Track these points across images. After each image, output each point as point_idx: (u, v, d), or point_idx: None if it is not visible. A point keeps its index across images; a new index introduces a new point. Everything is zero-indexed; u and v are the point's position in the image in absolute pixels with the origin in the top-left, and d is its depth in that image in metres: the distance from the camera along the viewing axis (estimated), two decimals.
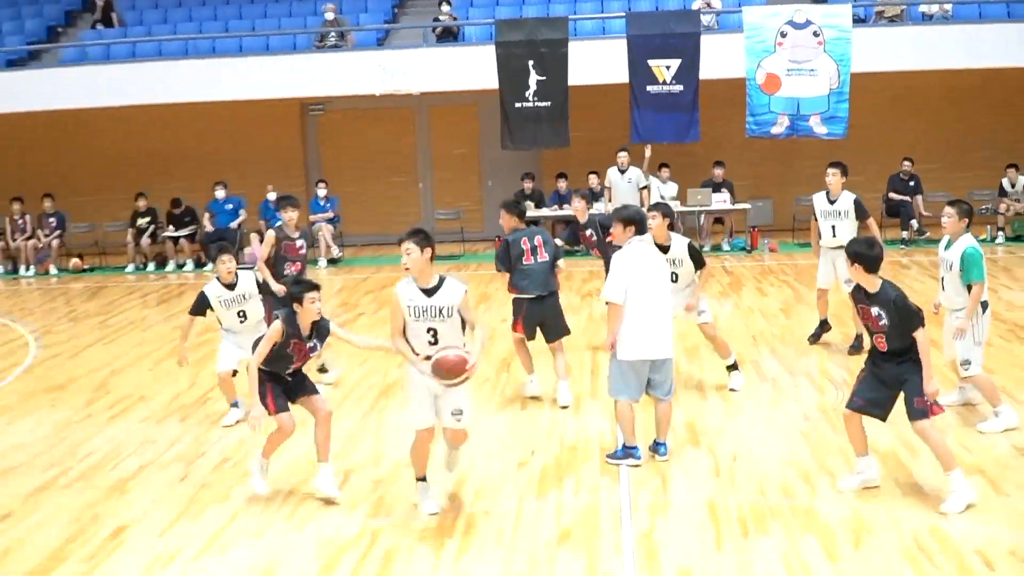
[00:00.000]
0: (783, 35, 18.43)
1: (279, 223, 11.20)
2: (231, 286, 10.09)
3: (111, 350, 13.66)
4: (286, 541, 7.33)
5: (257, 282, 10.36)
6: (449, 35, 20.51)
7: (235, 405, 10.08)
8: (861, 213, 11.50)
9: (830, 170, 11.69)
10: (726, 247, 19.55)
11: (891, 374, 7.46)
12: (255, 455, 8.18)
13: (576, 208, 11.89)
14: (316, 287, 7.95)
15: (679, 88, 18.59)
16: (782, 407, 9.91)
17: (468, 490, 8.08)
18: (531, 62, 18.66)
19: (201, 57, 20.22)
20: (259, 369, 7.84)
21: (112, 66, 20.27)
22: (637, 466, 8.34)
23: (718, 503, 7.58)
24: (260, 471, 8.07)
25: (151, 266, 20.44)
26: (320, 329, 8.00)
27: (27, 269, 20.59)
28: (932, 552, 6.61)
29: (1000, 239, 18.86)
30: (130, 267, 20.40)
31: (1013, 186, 19.13)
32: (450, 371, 7.17)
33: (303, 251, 11.30)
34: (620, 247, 8.43)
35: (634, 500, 7.72)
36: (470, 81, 19.28)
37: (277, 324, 7.82)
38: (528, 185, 20.03)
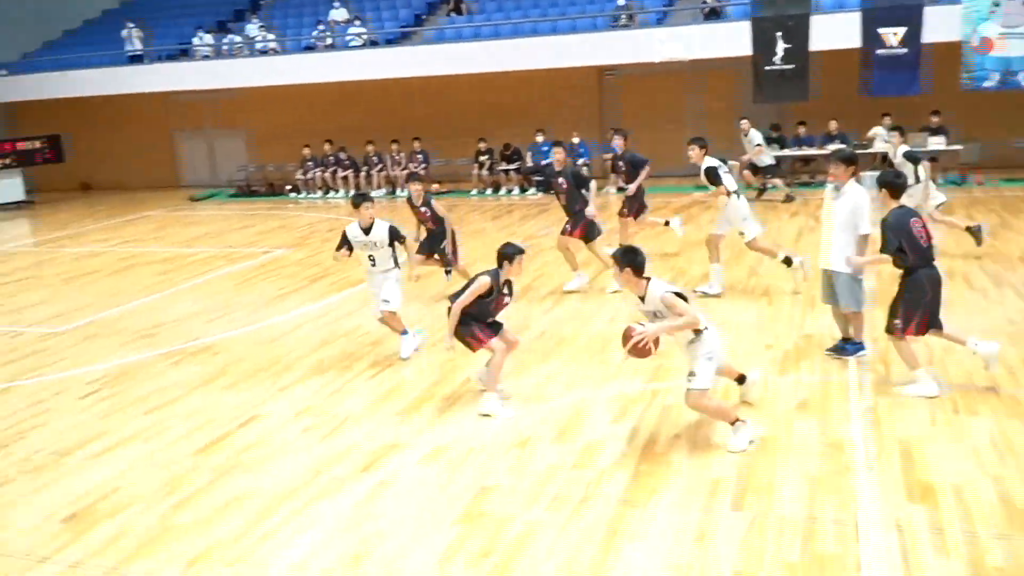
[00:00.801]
0: (996, 4, 16.60)
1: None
2: (367, 230, 8.59)
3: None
4: (590, 393, 7.34)
5: (393, 234, 8.67)
6: (714, 14, 19.71)
7: (404, 333, 8.81)
8: None
9: None
10: (940, 181, 17.91)
11: None
12: (486, 396, 7.15)
13: (557, 158, 11.06)
14: (523, 251, 7.12)
15: (904, 51, 17.16)
16: (989, 313, 9.03)
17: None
18: (779, 33, 17.68)
19: (525, 36, 20.29)
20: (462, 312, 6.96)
21: (462, 44, 20.67)
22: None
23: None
24: (499, 402, 7.13)
25: (488, 191, 20.89)
26: (510, 285, 7.17)
27: (401, 191, 21.51)
28: None
29: None
30: (473, 191, 20.92)
31: None
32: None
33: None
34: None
35: (859, 381, 7.26)
36: (730, 49, 18.45)
37: (485, 279, 6.94)
38: (774, 134, 19.02)
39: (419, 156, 21.61)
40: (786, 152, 18.76)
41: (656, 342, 5.95)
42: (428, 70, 20.72)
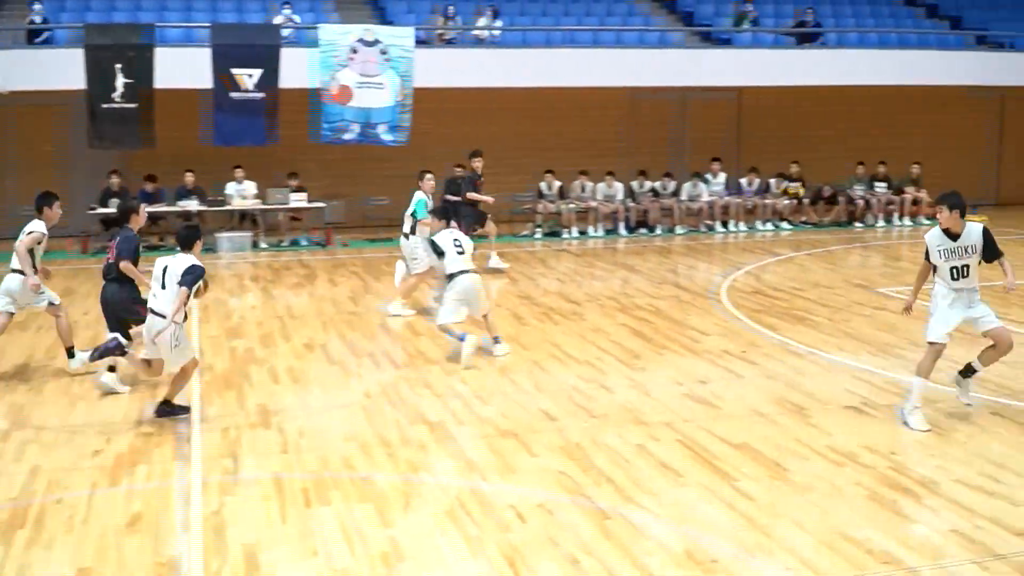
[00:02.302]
0: (354, 51, 18.49)
1: None
2: None
3: None
4: None
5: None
6: (40, 37, 18.91)
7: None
8: None
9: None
10: (304, 242, 19.24)
11: None
12: None
13: None
14: None
15: (259, 95, 18.18)
16: (347, 386, 9.84)
17: (41, 480, 7.35)
18: (119, 65, 17.57)
19: None
20: None
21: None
22: None
23: (284, 478, 7.37)
24: None
25: None
26: None
27: None
28: (472, 510, 6.74)
29: (538, 235, 19.86)
30: None
31: (549, 189, 20.19)
32: None
33: None
34: None
35: (205, 480, 7.34)
36: (59, 81, 17.82)
37: None
38: (115, 181, 18.69)
39: None
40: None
41: None
42: None
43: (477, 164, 16.82)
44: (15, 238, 10.22)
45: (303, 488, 7.16)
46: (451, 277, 10.54)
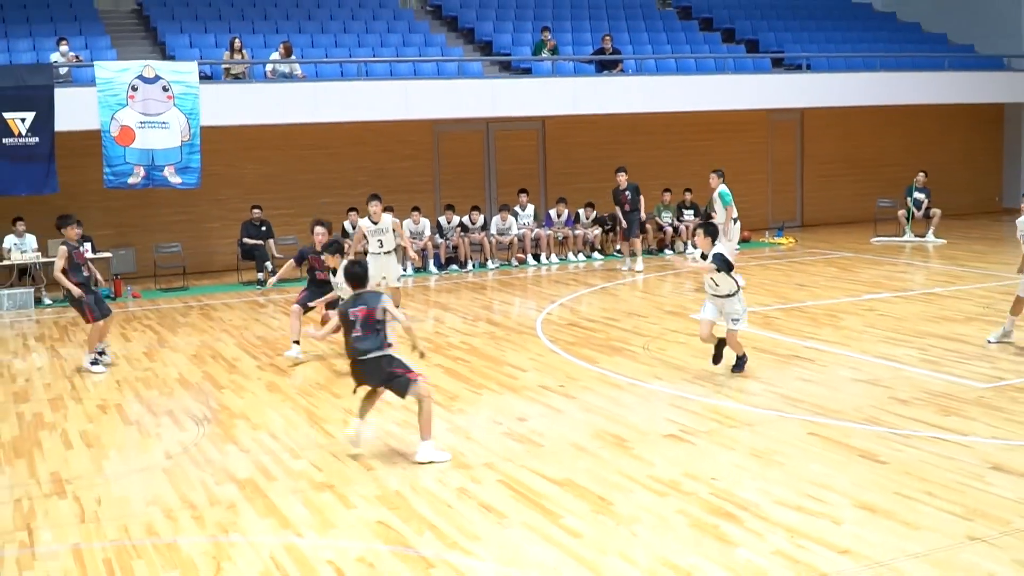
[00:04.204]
0: (134, 89, 18.11)
1: None
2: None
3: None
4: None
5: None
6: None
7: None
8: None
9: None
10: (48, 300, 18.40)
11: None
12: None
13: None
14: None
15: (35, 140, 17.60)
16: (146, 448, 9.61)
17: None
18: None
19: None
20: None
21: None
22: None
23: (84, 549, 7.15)
24: None
25: None
26: None
27: None
28: (288, 568, 6.71)
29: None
30: None
31: (353, 228, 20.12)
32: None
33: None
34: None
35: (1, 556, 7.07)
36: None
37: None
38: None
39: None
40: None
41: None
42: None
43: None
44: None
45: (104, 559, 6.97)
46: None
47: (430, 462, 8.65)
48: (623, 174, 19.71)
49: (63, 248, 12.64)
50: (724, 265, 10.91)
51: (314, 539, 7.21)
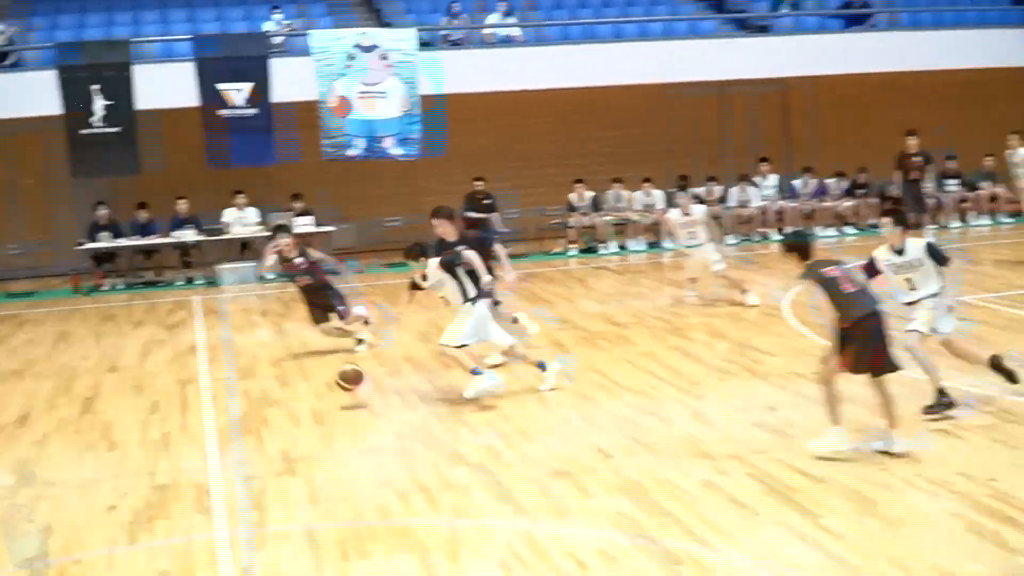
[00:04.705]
0: (352, 58, 18.65)
1: None
2: None
3: None
4: None
5: None
6: (7, 60, 19.21)
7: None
8: None
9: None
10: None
11: None
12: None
13: None
14: None
15: (252, 111, 18.38)
16: (376, 428, 9.92)
17: (57, 540, 7.43)
18: (95, 86, 17.83)
19: None
20: None
21: None
22: None
23: (316, 530, 7.44)
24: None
25: None
26: None
27: None
28: (526, 558, 6.79)
29: (572, 251, 19.95)
30: None
31: (581, 201, 20.29)
32: None
33: None
34: None
35: (232, 535, 7.43)
36: (33, 107, 18.06)
37: None
38: (103, 213, 18.96)
39: None
40: (123, 242, 18.80)
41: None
42: None
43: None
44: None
45: (337, 540, 7.23)
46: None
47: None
48: (914, 138, 18.87)
49: (272, 258, 12.83)
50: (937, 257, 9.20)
51: (552, 528, 7.26)
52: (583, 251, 20.07)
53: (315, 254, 12.92)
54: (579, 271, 18.52)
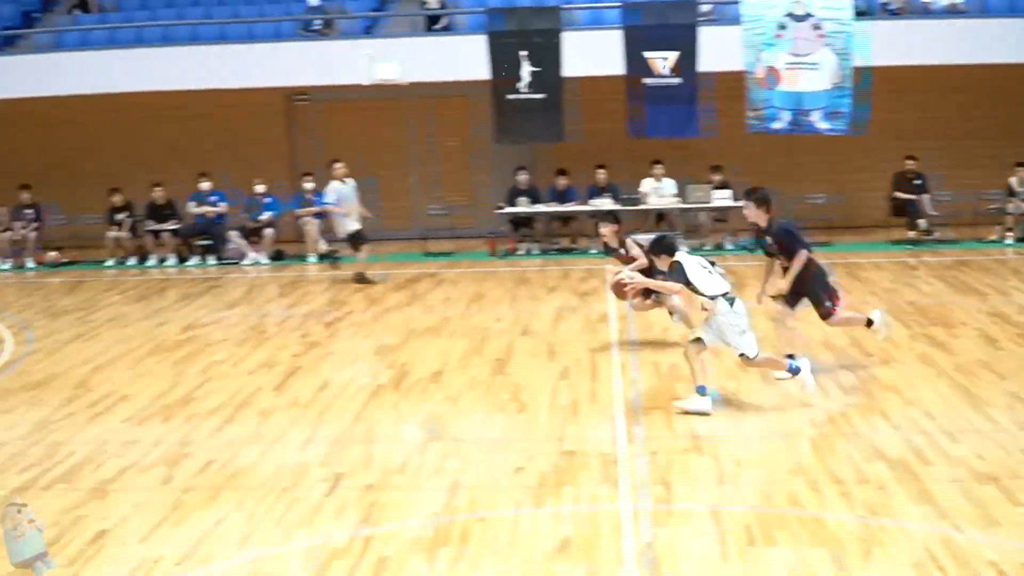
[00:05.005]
0: (782, 27, 18.34)
1: None
2: None
3: (91, 347, 13.55)
4: (274, 550, 7.26)
5: None
6: (439, 24, 20.52)
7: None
8: None
9: None
10: (729, 245, 19.47)
11: None
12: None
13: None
14: None
15: (677, 81, 18.54)
16: (788, 413, 9.87)
17: (463, 497, 8.02)
18: (524, 52, 18.62)
19: (182, 45, 20.14)
20: None
21: (90, 53, 20.15)
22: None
23: (723, 511, 7.55)
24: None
25: (131, 261, 20.28)
26: None
27: (2, 262, 20.47)
28: (945, 564, 6.57)
29: (1009, 240, 18.85)
30: (109, 261, 20.23)
31: (1022, 185, 19.11)
32: None
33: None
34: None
35: (635, 509, 7.67)
36: (461, 71, 19.21)
37: None
38: (523, 178, 19.95)
39: (28, 212, 20.64)
40: (541, 208, 19.67)
41: (637, 292, 10.60)
42: (39, 89, 19.98)
43: None
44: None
45: (744, 524, 7.30)
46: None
47: None
48: None
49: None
50: None
51: (975, 535, 6.98)
52: (1020, 240, 18.85)
53: (634, 249, 12.34)
54: (1015, 261, 17.45)
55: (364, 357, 12.62)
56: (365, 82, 18.79)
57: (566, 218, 20.07)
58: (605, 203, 19.06)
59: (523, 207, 19.57)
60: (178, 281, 18.42)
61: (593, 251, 19.26)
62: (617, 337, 13.01)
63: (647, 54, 18.49)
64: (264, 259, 19.69)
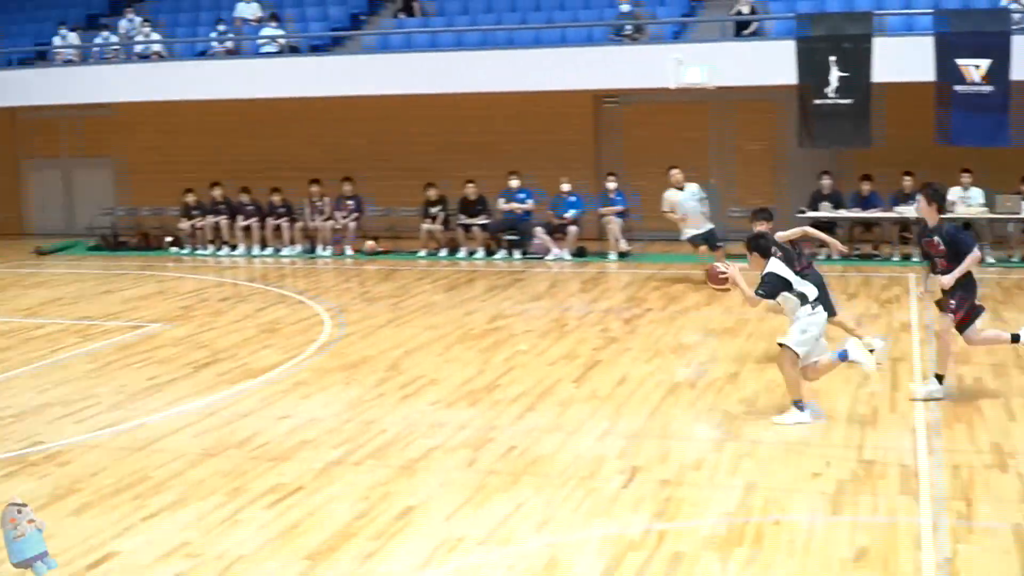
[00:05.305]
0: None
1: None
2: None
3: (403, 332, 14.16)
4: (571, 536, 7.40)
5: None
6: (748, 29, 20.37)
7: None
8: None
9: None
10: None
11: None
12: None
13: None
14: None
15: (989, 89, 17.73)
16: None
17: (758, 498, 7.94)
18: (833, 57, 18.23)
19: (499, 48, 20.75)
20: None
21: (412, 55, 21.07)
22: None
23: None
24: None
25: (442, 252, 21.05)
26: None
27: (324, 249, 21.66)
28: None
29: None
30: (421, 252, 21.06)
31: None
32: None
33: None
34: None
35: (935, 523, 7.39)
36: (769, 76, 19.00)
37: None
38: (826, 183, 19.51)
39: (349, 203, 21.77)
40: (843, 213, 19.19)
41: (733, 283, 10.02)
42: (365, 87, 21.04)
43: None
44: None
45: None
46: None
47: None
48: None
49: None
50: None
51: None
52: None
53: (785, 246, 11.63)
54: None
55: (662, 354, 12.63)
56: (672, 86, 18.83)
57: (869, 224, 19.48)
58: (909, 210, 18.36)
59: (825, 212, 19.12)
60: (486, 273, 19.00)
61: (896, 259, 18.63)
62: (919, 347, 12.52)
63: (959, 61, 17.76)
64: (567, 255, 20.04)
